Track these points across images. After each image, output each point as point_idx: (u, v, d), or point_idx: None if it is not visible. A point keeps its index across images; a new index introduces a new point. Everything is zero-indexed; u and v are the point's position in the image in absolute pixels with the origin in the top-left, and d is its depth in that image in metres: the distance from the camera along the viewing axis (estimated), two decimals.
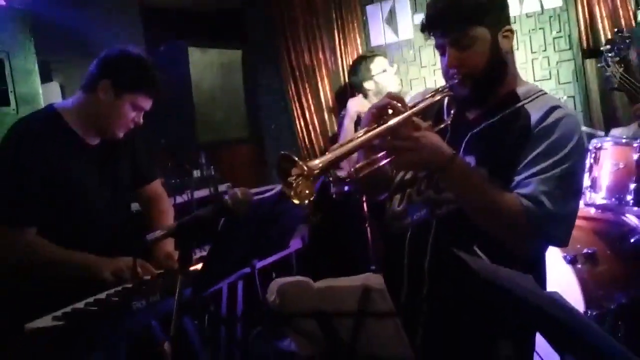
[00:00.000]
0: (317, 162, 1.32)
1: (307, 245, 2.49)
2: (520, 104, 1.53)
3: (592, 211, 2.47)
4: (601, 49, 2.40)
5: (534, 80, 3.49)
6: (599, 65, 2.78)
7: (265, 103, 4.33)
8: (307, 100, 4.14)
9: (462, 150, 1.54)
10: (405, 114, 1.44)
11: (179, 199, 2.95)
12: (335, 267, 3.35)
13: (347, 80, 4.04)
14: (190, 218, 1.23)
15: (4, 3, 2.49)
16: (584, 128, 2.21)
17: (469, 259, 1.11)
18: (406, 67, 3.85)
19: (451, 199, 1.51)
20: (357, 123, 3.48)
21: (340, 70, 4.06)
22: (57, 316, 1.56)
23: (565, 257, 2.21)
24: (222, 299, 1.98)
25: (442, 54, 1.55)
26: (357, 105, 3.45)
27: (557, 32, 3.42)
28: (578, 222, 2.38)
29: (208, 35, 5.07)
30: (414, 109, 1.48)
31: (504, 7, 1.56)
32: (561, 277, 2.18)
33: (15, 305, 1.82)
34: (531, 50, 3.49)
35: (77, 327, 1.51)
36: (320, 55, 4.09)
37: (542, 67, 3.48)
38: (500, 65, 1.53)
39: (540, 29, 3.46)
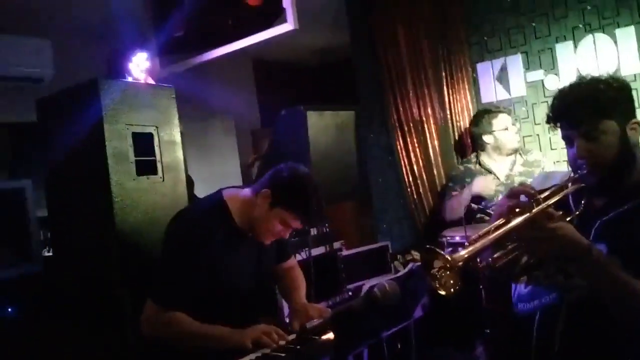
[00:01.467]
0: (462, 254, 1.39)
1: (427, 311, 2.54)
2: None
3: None
4: None
5: None
6: None
7: (373, 158, 4.46)
8: (416, 155, 4.21)
9: (592, 236, 1.57)
10: (541, 207, 1.49)
11: (297, 257, 3.10)
12: (451, 330, 3.36)
13: (455, 136, 4.09)
14: (344, 308, 1.34)
15: (153, 82, 2.80)
16: None
17: None
18: (519, 124, 3.83)
19: (582, 285, 1.54)
20: (473, 202, 3.52)
21: (449, 126, 4.11)
22: None
23: None
24: None
25: (569, 144, 1.62)
26: (481, 187, 3.46)
27: None
28: None
29: (319, 94, 5.34)
30: (549, 201, 1.53)
31: (631, 101, 1.61)
32: None
33: None
34: None
35: None
36: (429, 111, 4.15)
37: None
38: (628, 156, 1.57)
39: None
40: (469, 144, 3.97)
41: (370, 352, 2.25)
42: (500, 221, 1.49)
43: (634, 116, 1.60)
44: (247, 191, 2.14)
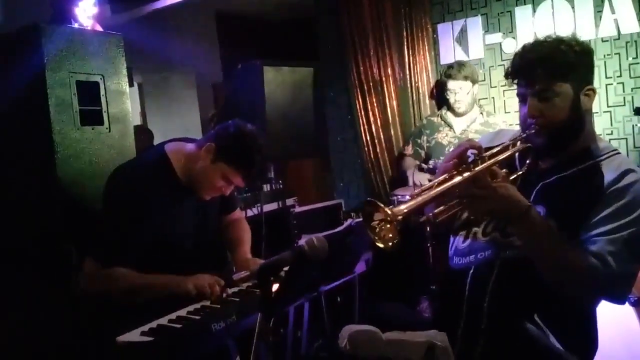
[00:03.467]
0: (402, 208, 1.40)
1: (371, 266, 2.59)
2: (594, 161, 1.57)
3: None
4: None
5: (607, 106, 3.44)
6: None
7: (332, 116, 4.45)
8: (374, 115, 4.22)
9: (532, 198, 1.59)
10: (485, 165, 1.50)
11: (249, 212, 3.12)
12: (396, 286, 3.45)
13: (414, 97, 4.10)
14: (271, 262, 1.36)
15: (100, 29, 2.71)
16: None
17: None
18: (477, 88, 3.86)
19: (517, 244, 1.58)
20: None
21: (408, 86, 4.11)
22: (144, 331, 1.73)
23: (629, 299, 2.21)
24: (289, 319, 2.11)
25: (522, 102, 1.61)
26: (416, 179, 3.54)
27: (633, 59, 3.35)
28: None
29: (280, 50, 5.26)
30: (493, 160, 1.54)
31: (591, 66, 1.60)
32: (623, 319, 2.18)
33: (105, 314, 2.02)
34: (606, 75, 3.43)
35: (163, 344, 1.67)
36: (389, 71, 4.15)
37: (617, 93, 3.42)
38: (578, 121, 1.58)
39: (616, 54, 3.40)
40: (429, 102, 4.01)
41: (311, 305, 2.29)
42: (445, 176, 1.51)
43: (591, 82, 1.59)
44: (191, 145, 2.11)
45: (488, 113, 3.68)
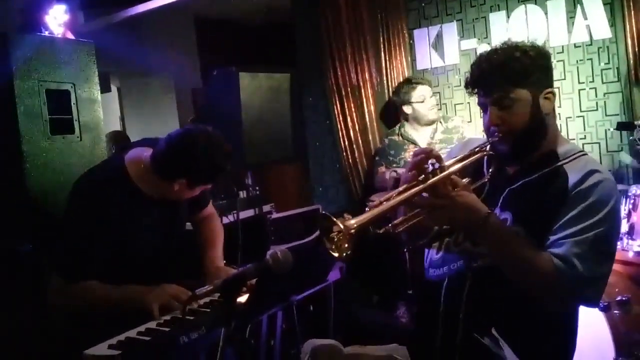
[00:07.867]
0: (352, 222, 1.41)
1: (346, 275, 2.59)
2: (559, 163, 1.57)
3: (630, 254, 2.47)
4: (635, 122, 2.39)
5: (580, 110, 3.48)
6: (630, 138, 2.77)
7: (310, 121, 4.45)
8: (353, 120, 4.23)
9: (499, 204, 1.60)
10: (444, 174, 1.50)
11: (225, 220, 3.09)
12: (373, 292, 3.46)
13: (391, 101, 4.12)
14: (234, 275, 1.35)
15: (72, 37, 2.68)
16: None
17: None
18: (451, 91, 3.90)
19: (487, 253, 1.57)
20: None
21: (385, 91, 4.13)
22: (112, 344, 1.71)
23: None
24: (262, 328, 2.10)
25: (484, 111, 1.62)
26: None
27: (605, 64, 3.39)
28: (615, 266, 2.40)
29: (260, 55, 5.25)
30: (452, 169, 1.54)
31: (548, 69, 1.61)
32: (592, 324, 2.20)
33: (73, 326, 1.99)
34: (578, 80, 3.48)
35: (130, 358, 1.66)
36: (367, 76, 4.16)
37: (589, 98, 3.46)
38: (540, 125, 1.58)
39: (588, 59, 3.44)
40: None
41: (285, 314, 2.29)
42: (404, 187, 1.50)
43: (550, 85, 1.60)
44: (149, 153, 2.04)
45: (445, 118, 3.70)
